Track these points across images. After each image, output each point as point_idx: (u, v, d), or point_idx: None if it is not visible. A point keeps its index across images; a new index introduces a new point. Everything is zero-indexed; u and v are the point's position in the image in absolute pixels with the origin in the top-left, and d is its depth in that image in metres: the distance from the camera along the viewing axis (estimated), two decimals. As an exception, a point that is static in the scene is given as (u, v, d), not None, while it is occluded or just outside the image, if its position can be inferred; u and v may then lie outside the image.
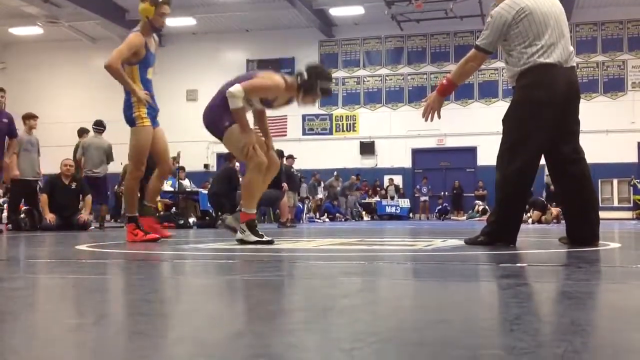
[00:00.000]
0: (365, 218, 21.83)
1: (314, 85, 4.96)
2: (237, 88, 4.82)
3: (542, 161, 4.46)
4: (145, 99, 5.44)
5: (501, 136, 4.47)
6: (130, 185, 5.64)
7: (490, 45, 4.37)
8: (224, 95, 4.93)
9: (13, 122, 8.65)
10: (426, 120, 4.63)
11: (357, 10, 22.37)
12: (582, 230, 4.34)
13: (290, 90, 5.02)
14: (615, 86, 22.21)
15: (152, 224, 5.66)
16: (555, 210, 14.97)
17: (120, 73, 5.41)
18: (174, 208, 13.01)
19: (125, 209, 5.99)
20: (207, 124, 5.11)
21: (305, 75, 4.99)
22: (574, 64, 4.45)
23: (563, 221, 4.79)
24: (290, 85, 4.99)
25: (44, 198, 9.65)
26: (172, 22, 23.44)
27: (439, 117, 4.62)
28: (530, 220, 14.94)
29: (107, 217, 11.81)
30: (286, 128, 24.46)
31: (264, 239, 4.78)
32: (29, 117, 10.17)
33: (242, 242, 4.79)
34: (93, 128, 11.39)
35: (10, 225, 9.47)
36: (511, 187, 4.32)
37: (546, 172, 4.72)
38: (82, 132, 11.88)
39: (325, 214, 19.69)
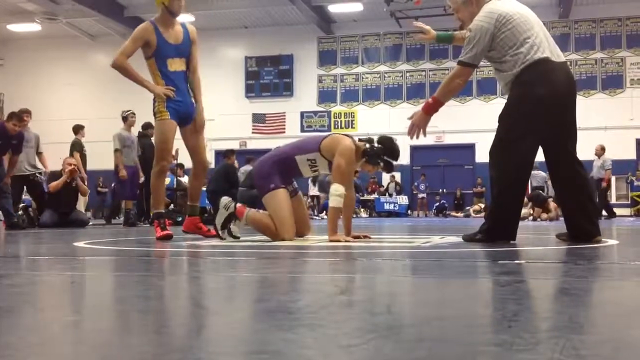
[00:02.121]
0: (364, 215, 21.84)
1: (379, 159, 4.98)
2: (340, 190, 4.79)
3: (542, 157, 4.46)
4: (161, 92, 5.37)
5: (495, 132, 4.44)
6: (152, 180, 5.62)
7: (475, 58, 4.31)
8: (282, 158, 5.03)
9: (21, 142, 9.14)
10: (412, 138, 4.62)
11: (356, 7, 22.36)
12: (582, 225, 4.33)
13: (357, 155, 5.01)
14: (613, 83, 22.22)
15: (197, 223, 5.64)
16: (553, 206, 14.95)
17: (125, 68, 5.37)
18: (171, 205, 13.00)
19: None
20: (255, 177, 5.16)
21: (374, 146, 5.00)
22: (565, 59, 4.45)
23: (562, 217, 4.79)
24: (357, 150, 4.99)
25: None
26: (171, 18, 23.43)
27: (424, 135, 4.62)
28: (531, 217, 14.91)
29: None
30: (284, 125, 24.46)
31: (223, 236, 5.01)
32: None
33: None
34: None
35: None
36: (509, 183, 4.31)
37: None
38: (77, 129, 11.85)
39: (324, 211, 19.68)
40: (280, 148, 5.35)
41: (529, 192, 16.04)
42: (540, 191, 16.30)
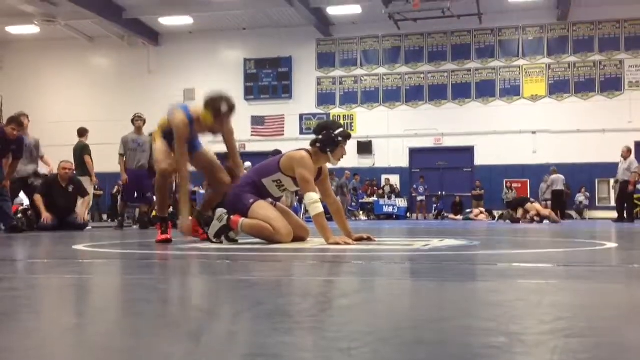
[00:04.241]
0: (363, 218, 21.83)
1: (333, 138, 5.03)
2: (313, 197, 4.87)
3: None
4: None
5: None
6: (155, 185, 5.69)
7: None
8: (250, 183, 5.10)
9: (21, 146, 9.07)
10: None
11: (355, 9, 22.37)
12: None
13: (319, 158, 5.08)
14: (612, 85, 22.24)
15: (195, 226, 5.65)
16: (535, 208, 14.86)
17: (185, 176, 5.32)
18: (171, 208, 12.99)
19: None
20: (231, 204, 5.17)
21: (320, 136, 5.06)
22: None
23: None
24: (314, 154, 5.06)
25: (37, 198, 9.65)
26: (169, 21, 23.45)
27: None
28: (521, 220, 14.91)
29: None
30: (284, 128, 24.46)
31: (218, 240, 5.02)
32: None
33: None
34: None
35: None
36: None
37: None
38: (82, 132, 11.85)
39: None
40: (244, 175, 5.47)
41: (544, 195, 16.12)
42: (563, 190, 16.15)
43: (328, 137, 5.04)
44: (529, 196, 20.43)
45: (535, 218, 14.60)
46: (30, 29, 24.01)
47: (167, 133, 5.39)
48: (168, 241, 5.22)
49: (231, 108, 5.35)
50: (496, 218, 16.30)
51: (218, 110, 5.22)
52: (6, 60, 26.58)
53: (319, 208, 4.87)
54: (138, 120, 10.97)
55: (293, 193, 14.61)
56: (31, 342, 1.33)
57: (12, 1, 20.94)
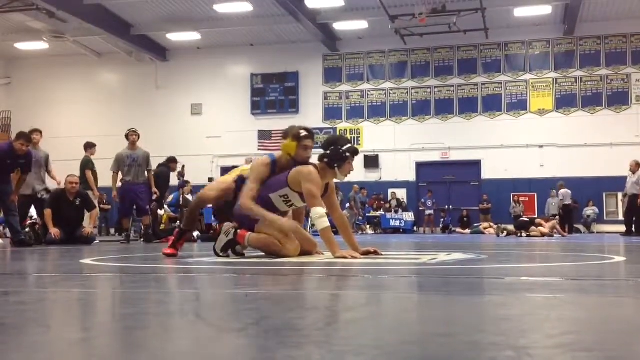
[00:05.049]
0: (369, 231, 21.79)
1: (340, 154, 5.03)
2: (320, 211, 4.87)
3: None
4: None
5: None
6: (190, 205, 5.75)
7: None
8: (257, 198, 5.04)
9: (30, 161, 9.14)
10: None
11: (361, 25, 22.45)
12: None
13: (326, 173, 5.08)
14: (619, 100, 22.20)
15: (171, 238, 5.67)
16: (539, 232, 14.79)
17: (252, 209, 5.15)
18: (177, 222, 13.02)
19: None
20: (237, 217, 5.16)
21: (328, 151, 5.06)
22: None
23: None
24: (321, 169, 5.06)
25: (48, 213, 9.69)
26: (177, 37, 23.60)
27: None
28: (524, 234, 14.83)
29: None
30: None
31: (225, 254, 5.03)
32: (31, 132, 10.28)
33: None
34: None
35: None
36: None
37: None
38: (87, 146, 11.92)
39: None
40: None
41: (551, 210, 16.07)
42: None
43: (336, 153, 5.04)
44: (536, 211, 20.36)
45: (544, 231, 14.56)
46: (39, 45, 24.19)
47: (240, 179, 5.38)
48: (174, 255, 5.23)
49: (310, 132, 5.31)
50: (502, 233, 16.25)
51: (297, 135, 5.20)
52: (15, 76, 26.79)
53: (326, 222, 4.86)
54: (133, 135, 11.08)
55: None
56: (40, 355, 1.33)
57: (21, 17, 21.15)
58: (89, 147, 11.90)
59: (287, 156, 5.22)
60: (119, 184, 11.07)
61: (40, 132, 10.54)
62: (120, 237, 12.75)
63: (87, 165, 11.45)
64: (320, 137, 23.21)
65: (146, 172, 11.15)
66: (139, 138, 11.17)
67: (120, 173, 10.99)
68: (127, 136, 11.12)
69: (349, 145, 5.13)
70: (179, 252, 5.41)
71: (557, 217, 17.75)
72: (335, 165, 5.04)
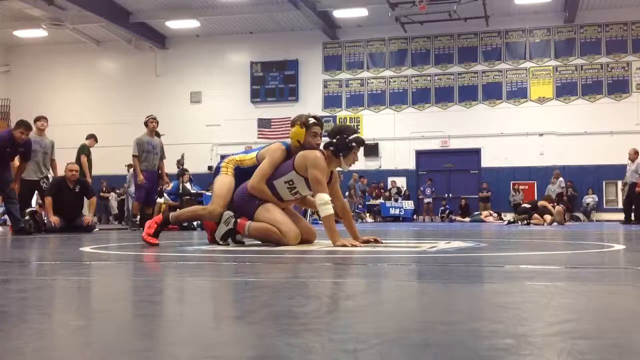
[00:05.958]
0: (369, 220, 21.82)
1: (346, 143, 5.02)
2: (325, 198, 4.84)
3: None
4: None
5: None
6: (201, 211, 5.69)
7: None
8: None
9: (29, 149, 9.19)
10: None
11: (361, 12, 22.37)
12: None
13: (331, 161, 5.07)
14: (619, 88, 22.17)
15: (153, 223, 5.53)
16: (558, 211, 14.82)
17: (264, 192, 5.12)
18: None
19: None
20: (237, 205, 5.15)
21: (334, 140, 5.04)
22: None
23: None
24: (328, 156, 5.05)
25: (48, 200, 9.69)
26: (176, 24, 23.53)
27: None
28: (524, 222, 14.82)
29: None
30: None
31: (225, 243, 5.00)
32: (36, 119, 10.31)
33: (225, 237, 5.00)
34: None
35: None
36: None
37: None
38: (89, 137, 12.03)
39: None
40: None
41: (549, 197, 16.07)
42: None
43: (342, 142, 5.03)
44: (535, 197, 20.33)
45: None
46: (38, 33, 24.12)
47: (237, 169, 5.37)
48: (154, 244, 5.16)
49: (318, 119, 5.32)
50: (506, 222, 16.25)
51: (306, 122, 5.21)
52: (14, 63, 26.72)
53: (329, 210, 4.85)
54: (152, 122, 10.97)
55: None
56: (41, 343, 1.33)
57: (20, 5, 21.06)
58: (90, 137, 11.97)
59: (296, 143, 5.21)
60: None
61: (46, 119, 10.55)
62: (120, 225, 12.74)
63: (83, 150, 11.50)
64: (327, 125, 23.25)
65: (160, 161, 11.11)
66: (158, 125, 11.10)
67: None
68: (146, 123, 11.03)
69: (355, 135, 5.11)
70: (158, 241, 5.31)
71: (562, 206, 17.73)
72: (341, 154, 5.03)
